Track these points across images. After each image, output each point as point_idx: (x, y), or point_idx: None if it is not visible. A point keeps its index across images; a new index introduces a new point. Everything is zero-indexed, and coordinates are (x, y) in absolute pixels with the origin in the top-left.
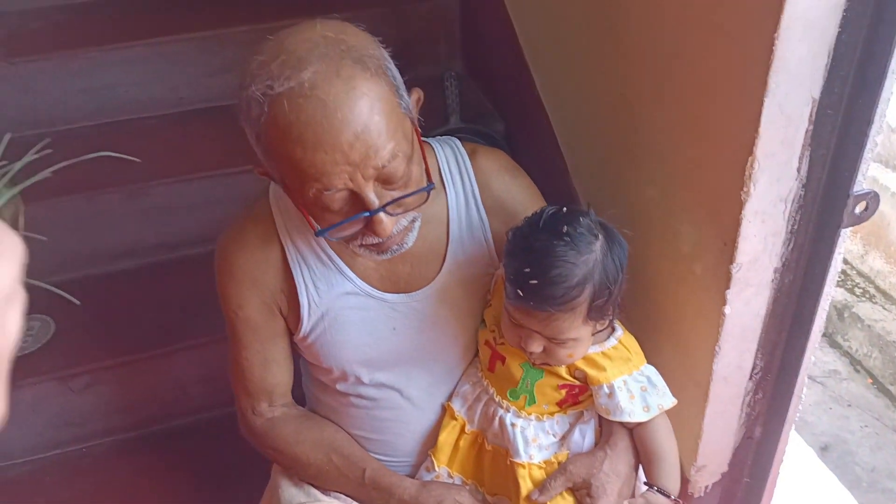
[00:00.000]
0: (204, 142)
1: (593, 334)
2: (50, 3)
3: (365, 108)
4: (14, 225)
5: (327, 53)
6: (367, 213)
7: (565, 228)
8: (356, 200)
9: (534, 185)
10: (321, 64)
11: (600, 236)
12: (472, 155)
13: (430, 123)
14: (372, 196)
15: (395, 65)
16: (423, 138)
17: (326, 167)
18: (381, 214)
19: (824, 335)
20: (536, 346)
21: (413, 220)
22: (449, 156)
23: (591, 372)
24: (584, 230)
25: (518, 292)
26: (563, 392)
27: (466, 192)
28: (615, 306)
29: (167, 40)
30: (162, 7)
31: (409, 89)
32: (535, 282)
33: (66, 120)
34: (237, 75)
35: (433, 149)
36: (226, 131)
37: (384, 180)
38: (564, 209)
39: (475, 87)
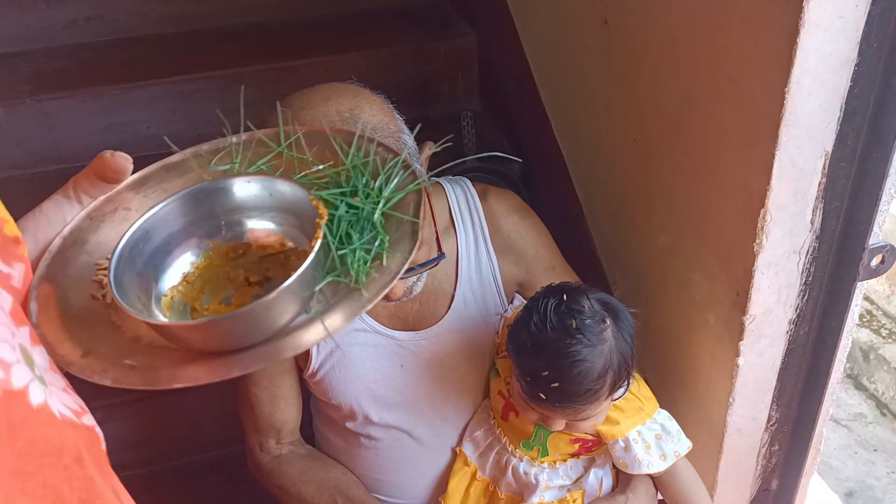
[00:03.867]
0: None
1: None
2: (74, 42)
3: None
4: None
5: None
6: None
7: (574, 323)
8: None
9: (543, 227)
10: None
11: (608, 320)
12: (482, 196)
13: (447, 162)
14: None
15: (414, 103)
16: (434, 178)
17: None
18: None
19: (849, 377)
20: (559, 426)
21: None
22: (459, 196)
23: (604, 428)
24: (591, 319)
25: (540, 395)
26: (577, 445)
27: (476, 232)
28: (631, 374)
29: (187, 78)
30: (182, 46)
31: (424, 130)
32: (556, 385)
33: (88, 155)
34: (256, 113)
35: (444, 189)
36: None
37: None
38: (565, 296)
39: (492, 127)
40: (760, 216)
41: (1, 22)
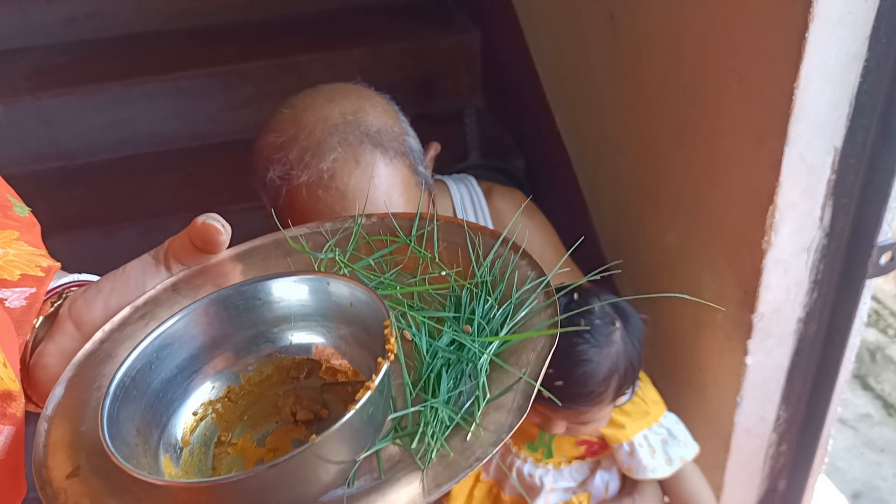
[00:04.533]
0: (222, 176)
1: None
2: (74, 39)
3: (383, 197)
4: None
5: (346, 139)
6: None
7: (582, 323)
8: None
9: (549, 225)
10: (340, 151)
11: (618, 323)
12: (487, 193)
13: (450, 159)
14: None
15: (417, 100)
16: (438, 176)
17: None
18: None
19: (856, 377)
20: (560, 429)
21: None
22: (464, 194)
23: (609, 432)
24: (601, 320)
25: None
26: (582, 448)
27: None
28: (636, 378)
29: (187, 75)
30: (182, 43)
31: (429, 126)
32: (559, 383)
33: (87, 153)
34: (256, 110)
35: (447, 187)
36: (244, 166)
37: None
38: (575, 295)
39: (496, 123)
40: (769, 213)
41: (1, 18)
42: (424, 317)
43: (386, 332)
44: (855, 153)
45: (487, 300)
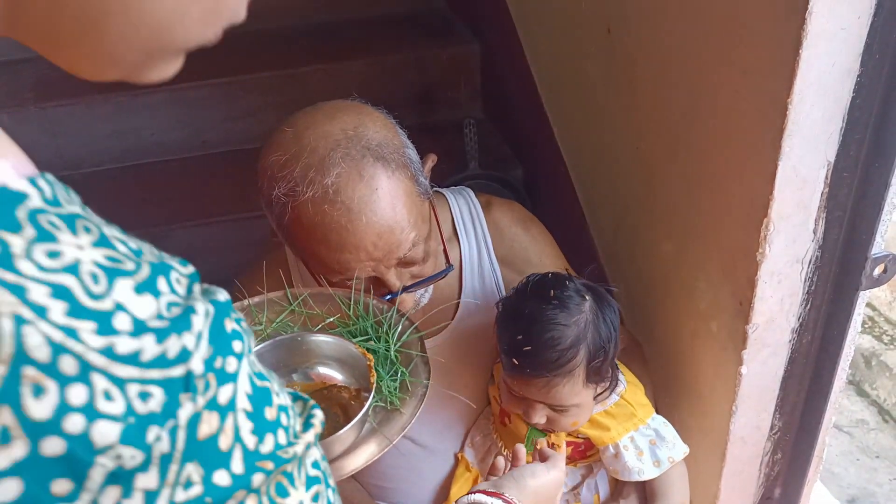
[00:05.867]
0: (225, 185)
1: (595, 398)
2: None
3: (388, 209)
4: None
5: (349, 153)
6: (389, 296)
7: (552, 292)
8: (378, 280)
9: (548, 235)
10: (344, 165)
11: (588, 298)
12: (485, 206)
13: (450, 169)
14: (394, 280)
15: (417, 110)
16: (437, 188)
17: (351, 264)
18: (404, 294)
19: (851, 383)
20: (539, 417)
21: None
22: (462, 207)
23: (594, 433)
24: (572, 292)
25: (513, 361)
26: (570, 449)
27: (479, 243)
28: (613, 368)
29: (191, 86)
30: (186, 53)
31: (429, 137)
32: (528, 348)
33: (92, 162)
34: (259, 120)
35: (446, 199)
36: (247, 175)
37: (405, 263)
38: (550, 274)
39: (495, 133)
40: (763, 226)
41: None
42: (355, 342)
43: (368, 364)
44: (848, 167)
45: (368, 322)
